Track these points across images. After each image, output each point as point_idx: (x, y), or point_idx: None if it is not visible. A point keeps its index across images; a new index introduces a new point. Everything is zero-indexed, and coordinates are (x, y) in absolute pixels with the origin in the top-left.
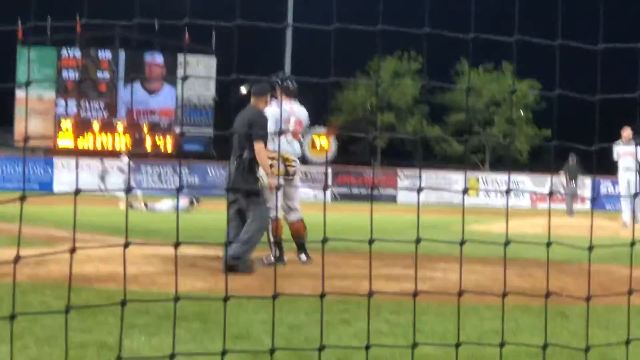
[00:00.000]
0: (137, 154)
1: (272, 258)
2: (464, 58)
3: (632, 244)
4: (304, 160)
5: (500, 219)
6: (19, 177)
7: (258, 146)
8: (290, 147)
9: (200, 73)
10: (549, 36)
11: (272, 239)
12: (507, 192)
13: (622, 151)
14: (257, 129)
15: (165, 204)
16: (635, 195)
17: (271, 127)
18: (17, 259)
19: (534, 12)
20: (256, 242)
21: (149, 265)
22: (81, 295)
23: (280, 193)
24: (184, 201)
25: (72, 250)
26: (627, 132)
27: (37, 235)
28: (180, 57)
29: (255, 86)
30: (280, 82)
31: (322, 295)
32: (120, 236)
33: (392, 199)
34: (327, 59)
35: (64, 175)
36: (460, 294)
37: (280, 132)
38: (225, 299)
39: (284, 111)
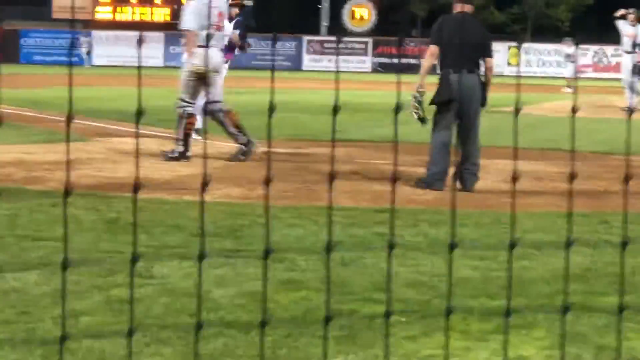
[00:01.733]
0: None
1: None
2: None
3: None
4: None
5: (543, 96)
6: (58, 50)
7: (492, 63)
8: (215, 40)
9: None
10: None
11: (232, 130)
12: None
13: (628, 32)
14: (491, 45)
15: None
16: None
17: (196, 22)
18: None
19: None
20: None
21: (185, 166)
22: (113, 205)
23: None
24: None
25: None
26: (632, 15)
27: (72, 127)
28: None
29: None
30: None
31: None
32: (154, 127)
33: (433, 69)
34: None
35: (101, 49)
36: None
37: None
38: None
39: (206, 5)
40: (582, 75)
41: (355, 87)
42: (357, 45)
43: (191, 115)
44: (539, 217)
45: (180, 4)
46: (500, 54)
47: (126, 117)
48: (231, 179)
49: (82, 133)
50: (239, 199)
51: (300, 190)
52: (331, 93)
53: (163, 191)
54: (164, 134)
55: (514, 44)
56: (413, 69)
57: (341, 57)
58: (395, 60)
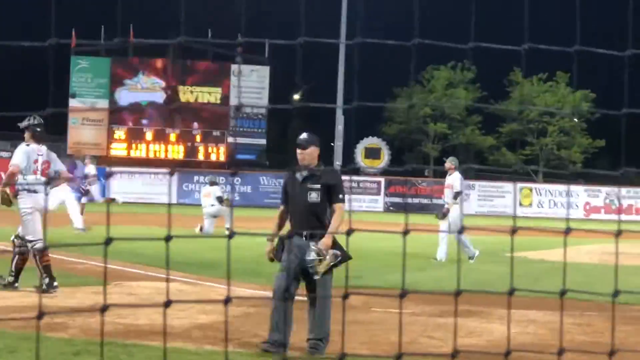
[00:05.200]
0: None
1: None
2: (517, 68)
3: None
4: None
5: (554, 242)
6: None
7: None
8: (40, 185)
9: (253, 82)
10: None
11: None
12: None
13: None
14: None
15: (211, 224)
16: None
17: (22, 161)
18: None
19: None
20: None
21: (204, 313)
22: (134, 354)
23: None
24: (209, 222)
25: (104, 309)
26: (448, 164)
27: (89, 269)
28: (234, 67)
29: (310, 136)
30: (28, 127)
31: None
32: (174, 271)
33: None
34: (380, 68)
35: (115, 185)
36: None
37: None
38: None
39: (33, 151)
40: (593, 218)
41: (368, 227)
42: (369, 185)
43: (43, 249)
44: None
45: (193, 142)
46: (512, 194)
47: (143, 259)
48: (252, 326)
49: (99, 276)
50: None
51: None
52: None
53: (184, 340)
54: (184, 279)
55: (526, 184)
56: (425, 209)
57: (353, 197)
58: (408, 200)
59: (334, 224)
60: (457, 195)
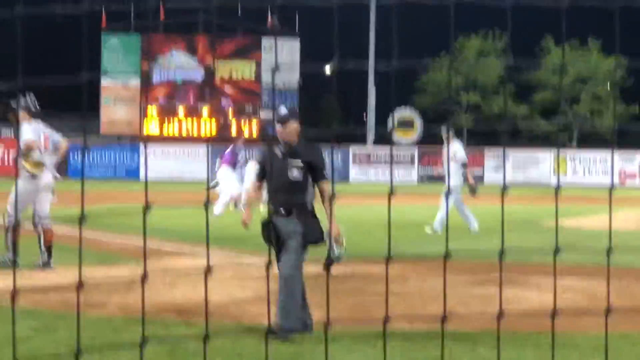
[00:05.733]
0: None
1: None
2: (548, 35)
3: None
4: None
5: (588, 209)
6: (106, 164)
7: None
8: (43, 156)
9: (284, 56)
10: None
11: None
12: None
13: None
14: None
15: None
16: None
17: (35, 136)
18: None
19: None
20: None
21: (240, 288)
22: (172, 332)
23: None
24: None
25: (143, 279)
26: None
27: (125, 249)
28: (265, 41)
29: (290, 110)
30: (24, 107)
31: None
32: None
33: (479, 179)
34: (412, 36)
35: (149, 162)
36: (553, 315)
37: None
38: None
39: (37, 128)
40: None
41: (403, 199)
42: (403, 156)
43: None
44: (597, 339)
45: (226, 117)
46: (546, 163)
47: (177, 236)
48: None
49: (134, 254)
50: None
51: (357, 313)
52: (381, 209)
53: (221, 316)
54: (219, 253)
55: (560, 152)
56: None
57: (387, 169)
58: (442, 171)
59: (331, 206)
60: (464, 165)
